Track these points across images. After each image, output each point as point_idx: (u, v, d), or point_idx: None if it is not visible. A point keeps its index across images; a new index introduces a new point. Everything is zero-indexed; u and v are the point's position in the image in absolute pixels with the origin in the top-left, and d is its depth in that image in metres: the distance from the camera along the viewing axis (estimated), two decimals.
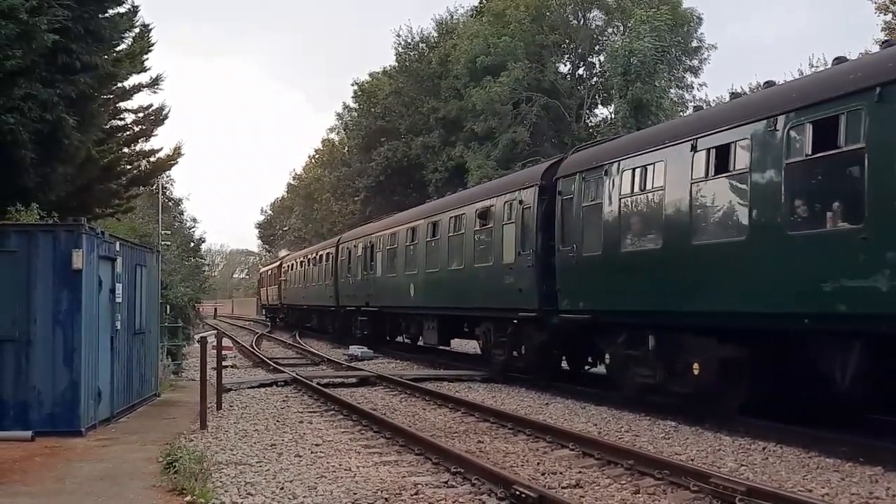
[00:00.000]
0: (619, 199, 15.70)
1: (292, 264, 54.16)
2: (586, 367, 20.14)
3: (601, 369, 18.30)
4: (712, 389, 13.64)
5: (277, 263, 63.61)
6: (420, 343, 29.72)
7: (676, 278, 13.93)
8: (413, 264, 27.17)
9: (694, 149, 13.54)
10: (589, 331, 17.03)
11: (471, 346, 30.02)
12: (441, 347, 29.12)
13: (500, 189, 21.48)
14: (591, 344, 17.70)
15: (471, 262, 22.17)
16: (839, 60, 12.32)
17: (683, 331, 14.09)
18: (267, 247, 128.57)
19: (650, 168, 14.88)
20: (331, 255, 40.81)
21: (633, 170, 15.34)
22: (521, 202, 19.53)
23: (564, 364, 20.62)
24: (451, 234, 23.86)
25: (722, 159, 13.02)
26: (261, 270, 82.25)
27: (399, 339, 32.94)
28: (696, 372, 13.69)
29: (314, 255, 45.87)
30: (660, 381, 14.88)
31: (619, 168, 15.79)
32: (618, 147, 16.87)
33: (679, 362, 14.23)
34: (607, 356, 16.69)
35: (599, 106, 54.68)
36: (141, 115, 32.73)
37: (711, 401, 13.81)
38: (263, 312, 75.23)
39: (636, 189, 15.31)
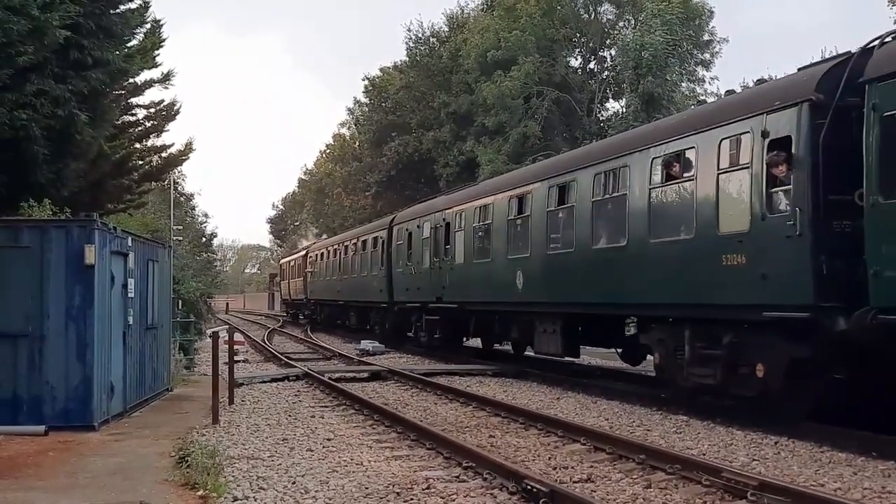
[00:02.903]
0: None
1: (323, 253, 47.39)
2: None
3: None
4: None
5: (303, 253, 57.00)
6: (530, 353, 23.23)
7: None
8: (522, 245, 20.41)
9: None
10: None
11: (597, 354, 24.76)
12: (569, 359, 21.79)
13: (709, 119, 14.09)
14: None
15: (643, 234, 15.21)
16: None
17: None
18: (279, 241, 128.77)
19: None
20: (380, 241, 33.64)
21: None
22: (764, 133, 12.35)
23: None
24: (598, 199, 17.03)
25: None
26: (281, 261, 74.16)
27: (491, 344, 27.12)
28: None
29: (355, 241, 38.74)
30: None
31: None
32: None
33: None
34: None
35: (611, 100, 54.38)
36: (152, 110, 32.87)
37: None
38: (283, 308, 70.22)
39: None
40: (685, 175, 14.28)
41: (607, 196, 16.81)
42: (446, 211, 26.12)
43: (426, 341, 27.92)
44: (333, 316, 46.05)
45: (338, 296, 42.16)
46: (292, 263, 61.31)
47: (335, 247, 44.08)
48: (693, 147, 14.14)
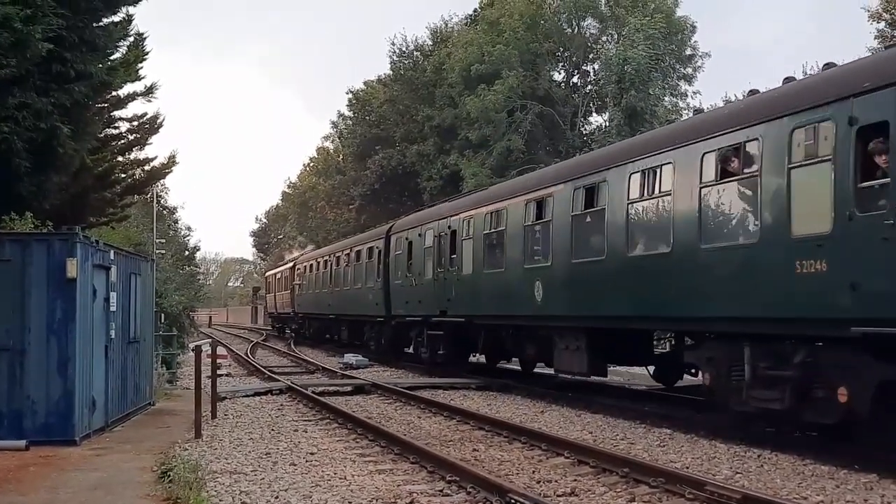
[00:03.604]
0: None
1: (312, 265, 45.37)
2: None
3: None
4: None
5: (290, 265, 54.53)
6: (550, 371, 20.56)
7: None
8: (541, 253, 18.66)
9: None
10: None
11: (617, 373, 22.20)
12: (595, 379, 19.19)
13: (776, 107, 12.23)
14: None
15: (692, 240, 13.37)
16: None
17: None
18: (262, 255, 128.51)
19: None
20: (376, 251, 31.52)
21: None
22: (851, 120, 10.60)
23: None
24: (635, 200, 15.19)
25: None
26: (267, 274, 72.01)
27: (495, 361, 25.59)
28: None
29: (347, 252, 36.76)
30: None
31: None
32: None
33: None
34: None
35: (594, 114, 54.78)
36: (135, 123, 32.76)
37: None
38: (269, 322, 67.71)
39: None
40: (746, 171, 12.49)
41: (646, 197, 14.93)
42: (452, 218, 24.07)
43: (427, 357, 26.13)
44: (323, 330, 44.38)
45: (328, 309, 40.28)
46: (279, 276, 59.24)
47: (326, 258, 42.00)
48: (757, 139, 12.24)
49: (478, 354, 25.48)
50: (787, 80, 13.38)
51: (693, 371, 15.25)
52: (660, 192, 14.56)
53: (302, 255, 55.59)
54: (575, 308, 17.16)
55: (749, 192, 12.46)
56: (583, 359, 17.17)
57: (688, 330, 14.91)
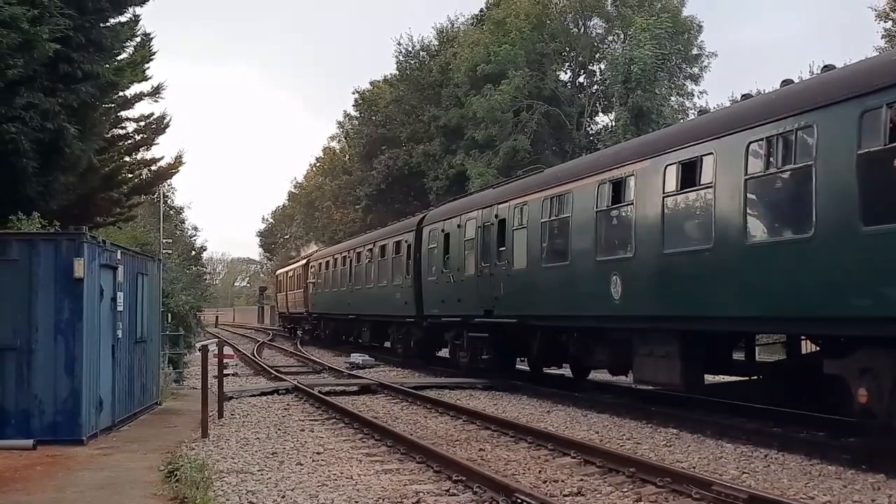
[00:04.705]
0: None
1: (328, 262, 42.48)
2: None
3: None
4: None
5: (303, 262, 51.29)
6: (630, 381, 18.15)
7: None
8: (620, 243, 16.06)
9: None
10: None
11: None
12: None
13: None
14: None
15: (845, 221, 10.73)
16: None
17: None
18: (268, 255, 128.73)
19: None
20: (405, 245, 28.88)
21: None
22: None
23: None
24: (756, 175, 12.32)
25: None
26: (277, 272, 68.83)
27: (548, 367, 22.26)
28: None
29: (370, 247, 34.24)
30: None
31: None
32: None
33: None
34: None
35: (600, 114, 54.71)
36: (142, 123, 32.85)
37: None
38: (280, 322, 65.63)
39: None
40: None
41: (774, 171, 12.11)
42: (499, 205, 21.28)
43: (467, 363, 23.53)
44: (340, 332, 41.62)
45: (348, 309, 37.26)
46: (290, 274, 56.42)
47: (345, 254, 39.04)
48: None
49: (534, 360, 22.21)
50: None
51: (833, 384, 11.64)
52: (796, 162, 11.57)
53: (316, 251, 53.02)
54: (666, 307, 14.35)
55: None
56: (674, 367, 14.36)
57: (833, 334, 11.80)
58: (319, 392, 19.76)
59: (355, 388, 21.70)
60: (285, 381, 22.68)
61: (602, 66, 52.93)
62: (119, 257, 14.76)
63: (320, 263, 44.64)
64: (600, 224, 16.58)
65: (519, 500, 8.80)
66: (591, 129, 53.04)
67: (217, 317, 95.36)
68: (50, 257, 12.89)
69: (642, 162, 15.20)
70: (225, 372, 18.61)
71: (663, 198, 14.42)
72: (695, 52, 49.10)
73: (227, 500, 9.31)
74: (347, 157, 79.73)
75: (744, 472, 10.78)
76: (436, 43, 61.43)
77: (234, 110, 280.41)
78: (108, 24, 20.78)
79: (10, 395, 12.69)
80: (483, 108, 48.34)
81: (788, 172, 11.91)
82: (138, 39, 24.95)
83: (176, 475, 10.15)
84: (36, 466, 11.12)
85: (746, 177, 12.38)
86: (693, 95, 49.72)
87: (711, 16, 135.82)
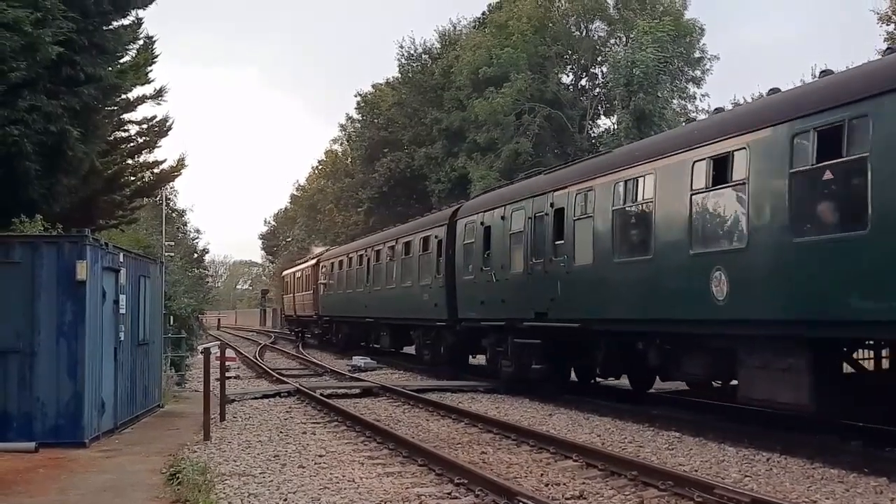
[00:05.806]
0: None
1: (342, 261, 39.46)
2: None
3: None
4: None
5: (312, 262, 48.20)
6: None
7: None
8: (725, 232, 13.27)
9: None
10: None
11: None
12: None
13: None
14: None
15: None
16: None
17: None
18: (270, 257, 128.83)
19: None
20: (435, 240, 25.99)
21: None
22: None
23: None
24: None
25: None
26: (284, 273, 65.31)
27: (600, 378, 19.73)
28: None
29: (392, 244, 31.12)
30: None
31: None
32: None
33: None
34: None
35: (602, 116, 54.77)
36: (145, 126, 32.79)
37: None
38: (287, 326, 63.47)
39: None
40: None
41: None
42: (555, 193, 18.44)
43: (513, 372, 20.35)
44: (355, 336, 38.55)
45: (364, 311, 33.86)
46: (298, 275, 53.02)
47: (361, 252, 35.74)
48: None
49: (598, 372, 19.03)
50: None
51: None
52: None
53: (327, 250, 49.20)
54: (795, 310, 11.65)
55: None
56: (800, 384, 11.59)
57: None
58: (321, 395, 19.77)
59: (357, 391, 21.69)
60: (287, 383, 22.68)
61: (604, 69, 52.98)
62: (121, 260, 14.78)
63: (332, 263, 41.81)
64: (694, 210, 13.65)
65: (521, 503, 8.80)
66: (594, 132, 53.08)
67: (219, 319, 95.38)
68: (52, 260, 12.91)
69: (757, 132, 12.36)
70: (227, 374, 18.61)
71: (790, 175, 11.49)
72: (697, 55, 49.11)
73: (229, 502, 9.33)
74: (349, 159, 79.80)
75: (746, 476, 10.78)
76: (438, 46, 61.50)
77: (237, 113, 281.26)
78: (110, 27, 20.77)
79: (12, 398, 12.71)
80: (485, 111, 48.39)
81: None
82: (141, 42, 24.92)
83: (178, 478, 10.16)
84: (38, 469, 11.14)
85: None
86: (695, 98, 49.78)
87: (712, 16, 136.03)
